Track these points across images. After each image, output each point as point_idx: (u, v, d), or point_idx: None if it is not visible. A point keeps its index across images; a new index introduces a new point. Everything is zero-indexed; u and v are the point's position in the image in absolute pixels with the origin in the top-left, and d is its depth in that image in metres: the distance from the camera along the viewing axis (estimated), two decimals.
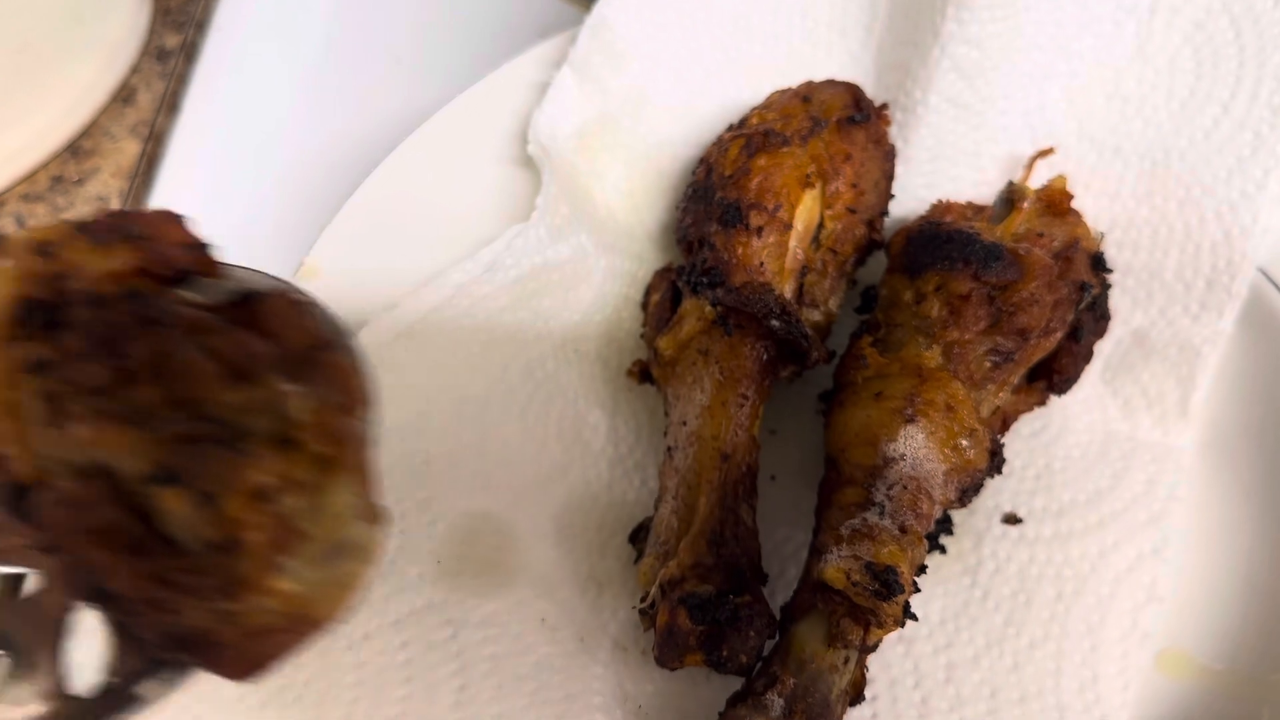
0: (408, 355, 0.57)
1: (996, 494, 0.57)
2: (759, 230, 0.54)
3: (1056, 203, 0.55)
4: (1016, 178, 0.61)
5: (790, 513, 0.56)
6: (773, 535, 0.56)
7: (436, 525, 0.54)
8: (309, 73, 0.75)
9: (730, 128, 0.58)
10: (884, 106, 0.58)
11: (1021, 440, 0.58)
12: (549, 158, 0.60)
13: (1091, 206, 0.60)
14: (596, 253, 0.61)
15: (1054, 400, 0.58)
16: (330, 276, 0.57)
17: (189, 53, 0.74)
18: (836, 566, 0.47)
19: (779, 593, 0.54)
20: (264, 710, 0.48)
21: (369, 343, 0.55)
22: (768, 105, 0.58)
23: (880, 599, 0.46)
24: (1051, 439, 0.58)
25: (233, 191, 0.70)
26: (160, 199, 0.70)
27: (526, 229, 0.60)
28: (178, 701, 0.44)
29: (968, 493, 0.51)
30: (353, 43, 0.76)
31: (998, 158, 0.62)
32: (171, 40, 0.74)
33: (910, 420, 0.50)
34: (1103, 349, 0.59)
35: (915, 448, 0.49)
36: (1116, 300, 0.59)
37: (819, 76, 0.60)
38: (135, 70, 0.71)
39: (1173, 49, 0.60)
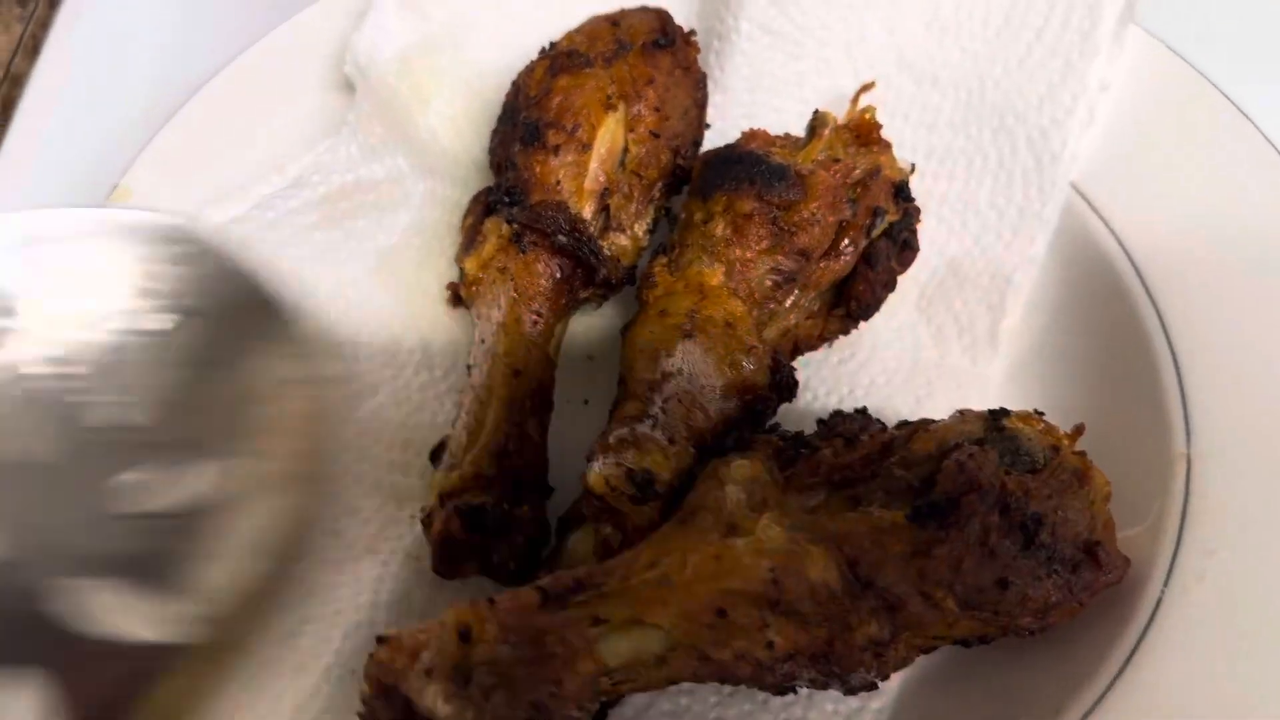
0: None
1: (801, 420, 0.57)
2: (556, 149, 0.54)
3: (865, 133, 0.55)
4: (842, 111, 0.61)
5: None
6: (579, 455, 0.56)
7: None
8: (170, 15, 0.75)
9: (542, 51, 0.59)
10: (691, 33, 0.59)
11: (830, 368, 0.58)
12: (365, 78, 0.60)
13: (910, 137, 0.61)
14: (415, 176, 0.61)
15: (866, 329, 0.58)
16: (143, 198, 0.57)
17: None
18: (598, 473, 0.48)
19: None
20: None
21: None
22: (579, 29, 0.59)
23: (636, 503, 0.47)
24: (859, 366, 0.58)
25: (90, 131, 0.70)
26: (16, 138, 0.70)
27: (336, 144, 0.60)
28: None
29: (755, 411, 0.52)
30: None
31: (821, 89, 0.62)
32: None
33: (688, 335, 0.50)
34: (919, 278, 0.59)
35: (693, 362, 0.50)
36: (933, 230, 0.59)
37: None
38: None
39: None
